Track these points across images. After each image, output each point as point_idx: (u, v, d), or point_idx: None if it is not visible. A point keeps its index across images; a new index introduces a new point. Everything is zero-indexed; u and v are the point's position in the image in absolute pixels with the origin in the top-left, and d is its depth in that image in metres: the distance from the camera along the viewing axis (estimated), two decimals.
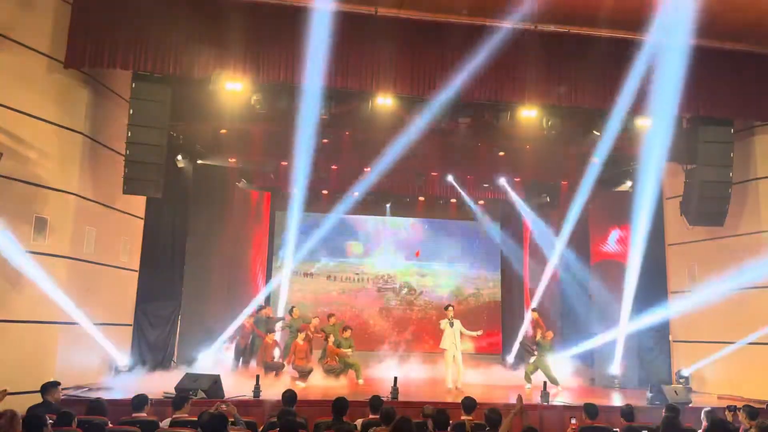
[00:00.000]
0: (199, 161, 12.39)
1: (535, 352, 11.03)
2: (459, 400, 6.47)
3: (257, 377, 8.72)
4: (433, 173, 14.27)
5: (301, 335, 10.85)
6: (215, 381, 8.23)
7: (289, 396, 6.27)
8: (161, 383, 8.65)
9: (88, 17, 8.43)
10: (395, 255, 15.89)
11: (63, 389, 6.93)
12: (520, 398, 5.65)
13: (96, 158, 9.13)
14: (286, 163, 13.06)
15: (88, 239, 9.03)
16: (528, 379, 10.90)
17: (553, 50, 9.33)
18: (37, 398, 6.24)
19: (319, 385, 10.28)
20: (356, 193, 14.55)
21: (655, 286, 11.69)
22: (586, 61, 9.27)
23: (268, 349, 10.72)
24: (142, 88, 8.76)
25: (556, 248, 13.27)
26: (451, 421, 5.58)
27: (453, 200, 15.58)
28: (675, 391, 8.98)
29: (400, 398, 8.66)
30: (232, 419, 5.71)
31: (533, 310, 12.13)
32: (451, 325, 10.61)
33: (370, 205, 15.41)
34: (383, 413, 5.43)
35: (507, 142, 11.82)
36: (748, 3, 8.66)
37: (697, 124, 10.11)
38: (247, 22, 8.68)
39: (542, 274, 13.99)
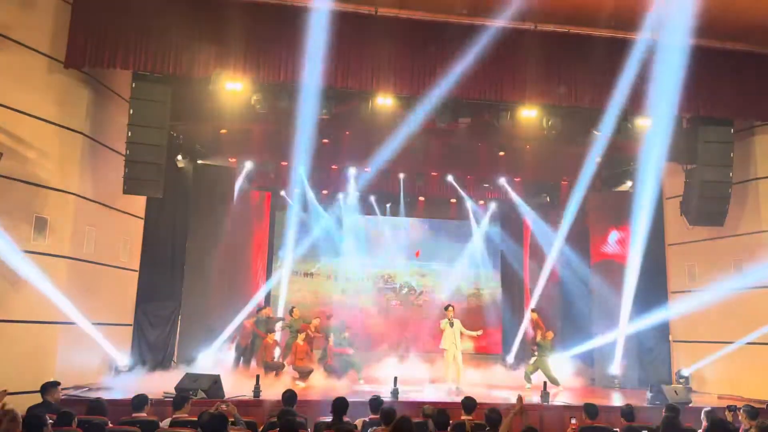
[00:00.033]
0: (199, 161, 12.40)
1: (536, 353, 11.02)
2: (459, 400, 6.47)
3: (257, 377, 8.72)
4: (433, 173, 14.27)
5: (301, 336, 10.85)
6: (215, 381, 8.23)
7: (289, 396, 6.27)
8: (161, 383, 8.65)
9: (88, 17, 8.44)
10: (395, 255, 15.86)
11: (63, 389, 6.93)
12: (520, 398, 5.65)
13: (96, 158, 9.13)
14: (286, 163, 13.06)
15: (88, 239, 9.03)
16: (528, 379, 10.90)
17: (553, 50, 9.34)
18: (37, 398, 6.24)
19: (319, 385, 10.29)
20: (356, 192, 14.60)
21: (655, 286, 11.69)
22: (586, 61, 9.28)
23: (269, 349, 10.72)
24: (142, 88, 8.77)
25: (554, 247, 13.28)
26: (451, 421, 5.59)
27: (453, 200, 15.59)
28: (675, 391, 8.98)
29: (400, 398, 8.67)
30: (232, 419, 5.71)
31: (533, 310, 12.15)
32: (451, 325, 10.63)
33: (370, 205, 15.41)
34: (383, 413, 5.44)
35: (507, 142, 11.84)
36: (748, 3, 8.67)
37: (697, 124, 10.12)
38: (247, 21, 8.69)
39: (545, 275, 13.98)
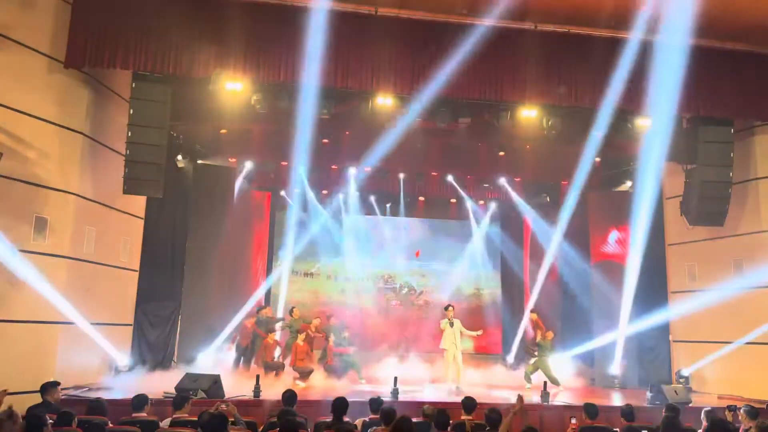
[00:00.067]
0: (199, 161, 12.40)
1: (536, 354, 11.02)
2: (459, 400, 6.47)
3: (257, 377, 8.72)
4: (433, 173, 14.27)
5: (302, 336, 10.85)
6: (215, 381, 8.23)
7: (289, 396, 6.28)
8: (161, 383, 8.65)
9: (89, 17, 8.44)
10: (395, 255, 15.86)
11: (63, 389, 6.94)
12: (521, 398, 5.65)
13: (96, 158, 9.13)
14: (286, 163, 13.07)
15: (88, 239, 9.03)
16: (528, 379, 10.91)
17: (553, 50, 9.33)
18: (37, 398, 6.24)
19: (319, 385, 10.29)
20: (357, 192, 14.61)
21: (655, 286, 11.69)
22: (586, 61, 9.27)
23: (269, 349, 10.72)
24: (142, 88, 8.77)
25: (552, 246, 13.30)
26: (451, 421, 5.59)
27: (453, 200, 15.59)
28: (675, 391, 8.98)
29: (400, 398, 8.67)
30: (232, 419, 5.71)
31: (532, 311, 12.15)
32: (451, 324, 10.63)
33: (370, 205, 15.41)
34: (383, 413, 5.44)
35: (507, 142, 11.84)
36: (748, 3, 8.67)
37: (697, 124, 10.12)
38: (247, 21, 8.69)
39: (543, 274, 13.99)
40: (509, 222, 15.93)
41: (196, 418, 5.48)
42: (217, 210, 12.46)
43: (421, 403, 7.08)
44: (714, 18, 8.66)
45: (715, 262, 10.71)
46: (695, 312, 10.53)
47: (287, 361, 10.96)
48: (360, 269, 15.58)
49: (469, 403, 6.26)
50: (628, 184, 12.80)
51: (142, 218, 10.53)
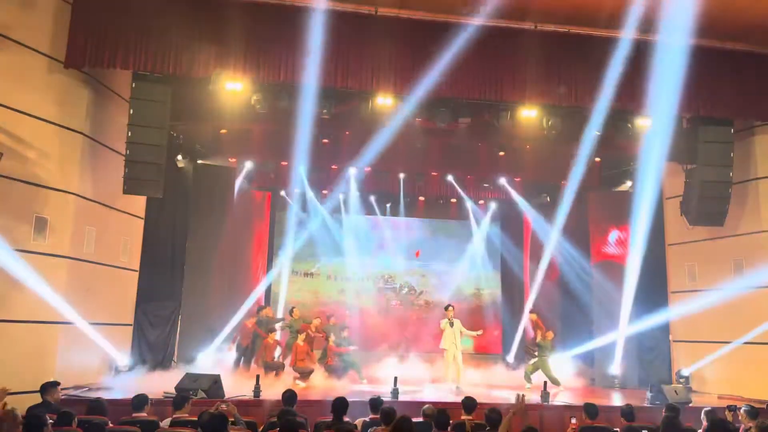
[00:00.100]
0: (199, 161, 12.40)
1: (536, 354, 11.02)
2: (459, 400, 6.47)
3: (257, 377, 8.72)
4: (433, 173, 14.27)
5: (302, 336, 10.84)
6: (215, 381, 8.23)
7: (289, 396, 6.28)
8: (161, 383, 8.65)
9: (88, 17, 8.44)
10: (395, 255, 15.86)
11: (63, 389, 6.94)
12: (522, 398, 5.64)
13: (96, 158, 9.13)
14: (286, 163, 13.06)
15: (88, 239, 9.03)
16: (528, 378, 10.90)
17: (553, 50, 9.33)
18: (37, 398, 6.24)
19: (319, 385, 10.29)
20: (357, 192, 14.60)
21: (655, 286, 11.69)
22: (586, 61, 9.27)
23: (269, 349, 10.72)
24: (142, 88, 8.77)
25: (550, 246, 13.30)
26: (451, 421, 5.58)
27: (453, 200, 15.59)
28: (675, 391, 8.98)
29: (400, 398, 8.67)
30: (232, 419, 5.72)
31: (531, 311, 12.15)
32: (451, 324, 10.64)
33: (370, 205, 15.42)
34: (383, 413, 5.44)
35: (507, 142, 11.84)
36: (748, 3, 8.67)
37: (697, 124, 10.12)
38: (247, 21, 8.69)
39: (541, 273, 13.99)
40: (509, 222, 15.93)
41: (196, 418, 5.48)
42: (217, 210, 12.46)
43: (421, 403, 7.06)
44: (714, 18, 8.66)
45: (715, 262, 10.71)
46: (695, 312, 10.53)
47: (287, 361, 10.96)
48: (360, 269, 15.57)
49: (469, 403, 6.26)
50: (628, 184, 12.80)
51: (142, 218, 10.53)
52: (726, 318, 10.22)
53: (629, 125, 9.77)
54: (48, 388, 6.24)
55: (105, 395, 7.61)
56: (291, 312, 12.03)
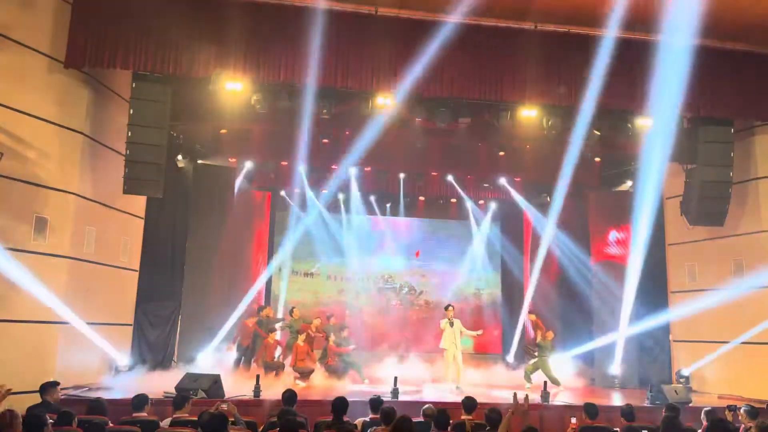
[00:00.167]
0: (199, 161, 12.40)
1: (536, 354, 11.01)
2: (459, 400, 6.47)
3: (257, 377, 8.72)
4: (433, 173, 14.27)
5: (302, 336, 10.84)
6: (215, 381, 8.23)
7: (289, 396, 6.27)
8: (161, 383, 8.64)
9: (88, 17, 8.44)
10: (395, 255, 15.86)
11: (63, 389, 6.94)
12: (526, 397, 5.62)
13: (96, 158, 9.13)
14: (286, 163, 13.06)
15: (88, 239, 9.03)
16: (528, 378, 10.90)
17: (553, 50, 9.33)
18: (37, 398, 6.24)
19: (319, 385, 10.29)
20: (357, 192, 14.60)
21: (655, 286, 11.69)
22: (586, 61, 9.26)
23: (269, 349, 10.72)
24: (142, 88, 8.77)
25: (545, 243, 13.31)
26: (451, 421, 5.58)
27: (453, 200, 15.59)
28: (675, 391, 8.98)
29: (400, 398, 8.67)
30: (233, 419, 5.71)
31: (530, 312, 12.13)
32: (451, 324, 10.63)
33: (370, 205, 15.42)
34: (383, 413, 5.44)
35: (507, 142, 11.84)
36: (748, 3, 8.67)
37: (698, 124, 10.12)
38: (247, 21, 8.69)
39: (541, 274, 13.99)
40: (509, 222, 15.93)
41: (196, 418, 5.48)
42: (217, 210, 12.46)
43: (421, 403, 7.06)
44: (714, 18, 8.66)
45: (715, 262, 10.71)
46: (695, 312, 10.53)
47: (287, 361, 10.96)
48: (360, 269, 15.58)
49: (469, 403, 6.26)
50: (629, 183, 12.79)
51: (142, 218, 10.53)
52: (726, 318, 10.22)
53: (629, 125, 9.77)
54: (48, 388, 6.24)
55: (105, 395, 7.60)
56: (291, 312, 12.03)
